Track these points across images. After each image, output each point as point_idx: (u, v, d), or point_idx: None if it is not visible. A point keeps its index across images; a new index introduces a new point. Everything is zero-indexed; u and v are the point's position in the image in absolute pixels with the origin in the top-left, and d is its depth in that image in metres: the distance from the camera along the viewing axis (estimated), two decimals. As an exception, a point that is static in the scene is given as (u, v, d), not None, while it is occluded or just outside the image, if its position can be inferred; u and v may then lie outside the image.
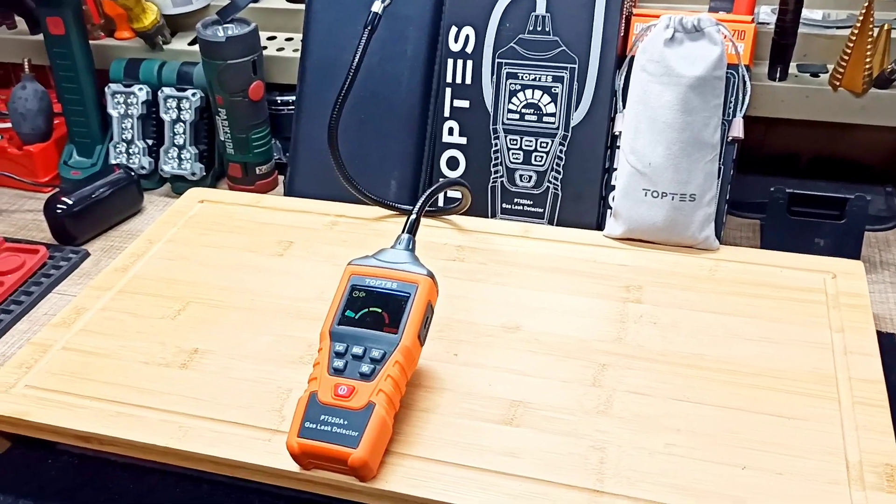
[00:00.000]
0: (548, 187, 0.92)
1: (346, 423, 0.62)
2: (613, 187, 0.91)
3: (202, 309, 0.82)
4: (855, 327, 0.76)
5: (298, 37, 1.13)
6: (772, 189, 0.92)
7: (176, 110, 1.08)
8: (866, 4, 0.87)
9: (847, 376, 0.71)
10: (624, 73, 0.88)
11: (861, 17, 0.87)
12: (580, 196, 0.91)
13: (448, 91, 0.93)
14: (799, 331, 0.76)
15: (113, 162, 1.11)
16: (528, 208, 0.93)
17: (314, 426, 0.63)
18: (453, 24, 0.92)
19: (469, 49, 0.91)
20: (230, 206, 0.98)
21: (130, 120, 1.10)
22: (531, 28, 0.89)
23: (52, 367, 0.75)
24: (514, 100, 0.91)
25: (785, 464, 0.63)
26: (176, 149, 1.09)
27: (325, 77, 0.99)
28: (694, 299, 0.80)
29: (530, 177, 0.92)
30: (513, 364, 0.74)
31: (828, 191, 1.00)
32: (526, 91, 0.90)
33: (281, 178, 1.13)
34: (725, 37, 0.83)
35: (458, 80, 0.92)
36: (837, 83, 0.92)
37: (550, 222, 0.93)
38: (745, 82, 0.85)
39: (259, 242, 0.91)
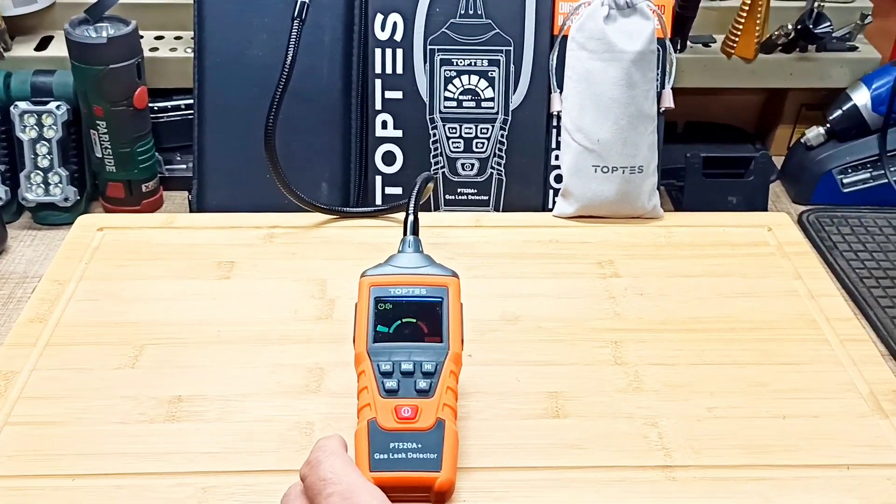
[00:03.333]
0: (491, 174, 0.90)
1: (419, 446, 0.57)
2: (555, 167, 0.91)
3: (164, 351, 0.71)
4: (808, 273, 0.82)
5: (170, 34, 1.01)
6: (688, 155, 0.98)
7: (36, 128, 0.92)
8: (758, -24, 0.94)
9: (824, 318, 0.77)
10: (556, 53, 0.88)
11: (753, -11, 0.95)
12: (525, 179, 0.90)
13: (378, 82, 0.88)
14: (766, 282, 0.81)
15: (-43, 196, 0.92)
16: (473, 197, 0.91)
17: (385, 456, 0.56)
18: (378, 12, 0.86)
19: (398, 37, 0.87)
20: (140, 230, 0.86)
21: (-25, 144, 0.92)
22: (462, 12, 0.86)
23: (4, 450, 0.62)
24: (450, 87, 0.88)
25: (816, 407, 0.67)
26: (40, 172, 0.93)
27: (227, 77, 0.89)
28: (664, 266, 0.83)
29: (473, 164, 0.90)
30: (530, 355, 0.72)
31: (708, 153, 1.08)
32: (462, 77, 0.87)
33: (166, 193, 1.01)
34: (654, 11, 0.86)
35: (389, 71, 0.88)
36: (731, 51, 0.99)
37: (496, 209, 0.91)
38: (670, 54, 0.89)
39: (195, 267, 0.81)
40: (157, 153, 1.00)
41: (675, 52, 1.00)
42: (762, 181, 0.98)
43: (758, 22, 0.96)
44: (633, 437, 0.64)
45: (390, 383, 0.59)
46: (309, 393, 0.67)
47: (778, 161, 1.09)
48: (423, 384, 0.59)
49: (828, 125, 1.01)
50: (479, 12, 0.86)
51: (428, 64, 0.87)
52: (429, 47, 0.87)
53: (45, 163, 0.93)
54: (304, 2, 0.81)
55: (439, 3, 0.86)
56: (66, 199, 0.93)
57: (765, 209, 0.99)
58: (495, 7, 0.86)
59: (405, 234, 0.69)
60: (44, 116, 0.92)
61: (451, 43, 0.87)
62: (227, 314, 0.75)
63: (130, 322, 0.74)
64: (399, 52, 0.87)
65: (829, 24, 0.96)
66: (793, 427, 0.65)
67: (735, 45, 0.98)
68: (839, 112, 1.00)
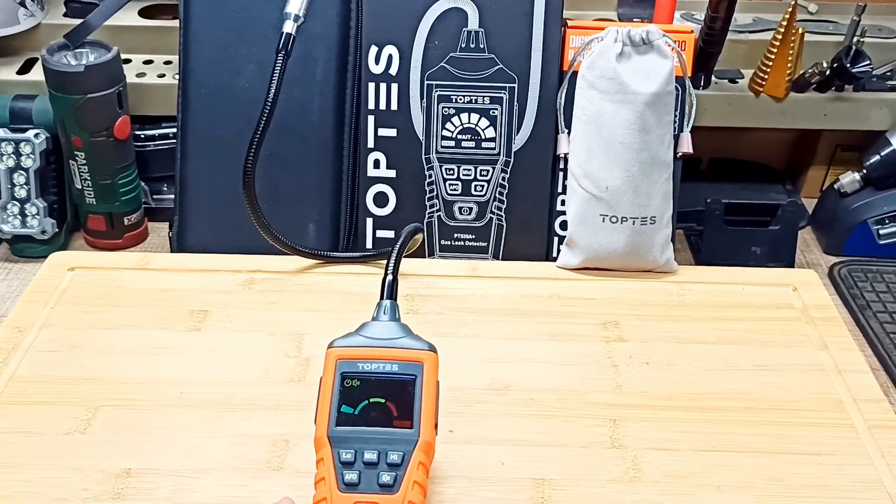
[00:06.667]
0: (491, 219, 0.83)
1: (377, 552, 0.51)
2: (560, 213, 0.84)
3: (120, 414, 0.65)
4: (836, 343, 0.74)
5: (160, 59, 0.96)
6: (708, 200, 0.90)
7: (14, 156, 0.87)
8: (790, 10, 0.86)
9: (851, 398, 0.69)
10: (565, 91, 0.81)
11: (785, 23, 0.87)
12: (527, 226, 0.84)
13: (371, 119, 0.82)
14: (788, 353, 0.73)
15: (-69, 225, 0.88)
16: (470, 243, 0.84)
17: (339, 562, 0.51)
18: (373, 44, 0.80)
19: (393, 71, 0.80)
20: (113, 271, 0.80)
21: (-49, 171, 0.88)
22: (463, 45, 0.80)
23: (-68, 527, 0.57)
24: (448, 125, 0.81)
25: (836, 508, 0.60)
26: (17, 203, 0.88)
27: (213, 107, 0.84)
28: (675, 330, 0.75)
29: (471, 209, 0.83)
30: (517, 433, 0.65)
31: (733, 193, 1.01)
32: (461, 115, 0.81)
33: (151, 225, 0.96)
34: (672, 49, 0.79)
35: (382, 107, 0.81)
36: (760, 88, 0.91)
37: (495, 256, 0.85)
38: (690, 94, 0.81)
39: (166, 316, 0.75)
40: (143, 183, 0.95)
41: (699, 88, 0.93)
42: (790, 231, 0.90)
43: (790, 58, 0.88)
44: (626, 538, 0.57)
45: (350, 475, 0.53)
46: (271, 471, 0.61)
47: (810, 204, 1.01)
48: (386, 478, 0.53)
49: (864, 171, 0.92)
50: (482, 46, 0.80)
51: (425, 100, 0.81)
52: (426, 82, 0.80)
53: (22, 193, 0.88)
54: (290, 34, 0.75)
55: (438, 36, 0.79)
56: (43, 232, 0.89)
57: (791, 261, 0.91)
58: (499, 41, 0.80)
59: (382, 297, 0.63)
60: (22, 145, 0.87)
61: (450, 78, 0.80)
62: (192, 372, 0.69)
63: (89, 379, 0.68)
64: (394, 86, 0.81)
65: (868, 62, 0.88)
66: (808, 533, 0.58)
67: (764, 82, 0.91)
68: (877, 158, 0.91)
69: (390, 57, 0.80)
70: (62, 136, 0.87)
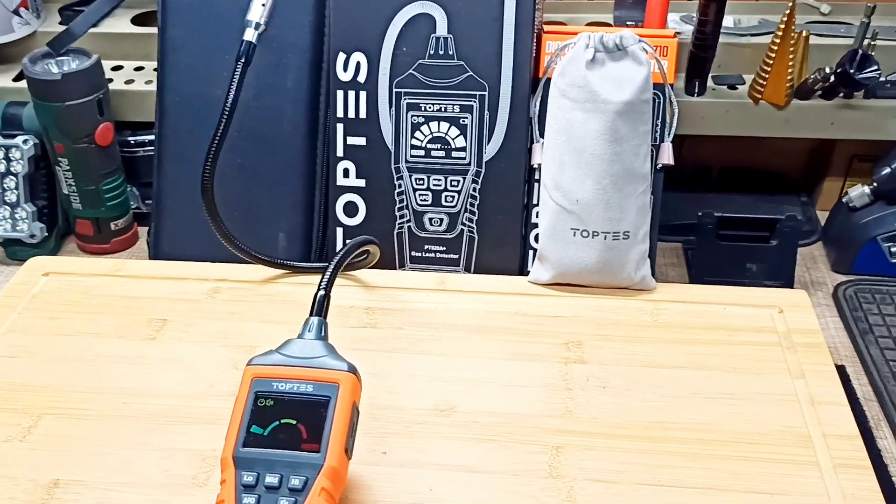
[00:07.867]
0: (462, 230, 0.81)
1: (268, 581, 0.50)
2: (535, 226, 0.81)
3: (60, 423, 0.66)
4: (815, 371, 0.69)
5: (150, 65, 0.96)
6: (699, 214, 0.86)
7: (4, 162, 0.89)
8: (788, 12, 0.80)
9: (821, 433, 0.64)
10: (539, 98, 0.78)
11: (783, 26, 0.81)
12: (499, 238, 0.81)
13: (340, 127, 0.80)
14: (760, 382, 0.68)
15: (-73, 228, 0.91)
16: (441, 255, 0.82)
17: (228, 591, 0.49)
18: (340, 51, 0.79)
19: (361, 78, 0.79)
20: (84, 277, 0.81)
21: (-54, 176, 0.90)
22: (432, 52, 0.77)
23: None
24: (417, 134, 0.79)
25: (781, 555, 0.55)
26: (7, 208, 0.90)
27: (188, 115, 0.84)
28: (641, 352, 0.71)
29: (441, 220, 0.81)
30: (453, 457, 0.62)
31: (744, 204, 0.95)
32: (430, 123, 0.79)
33: (141, 229, 0.97)
34: (649, 55, 0.74)
35: (351, 115, 0.80)
36: (759, 96, 0.86)
37: (467, 269, 0.82)
38: (671, 103, 0.77)
39: (126, 324, 0.75)
40: (133, 188, 0.96)
41: (693, 95, 0.88)
42: (788, 247, 0.85)
43: (790, 63, 0.83)
44: (545, 576, 0.54)
45: (249, 499, 0.52)
46: (195, 487, 0.60)
47: (825, 217, 0.95)
48: (285, 503, 0.52)
49: (874, 184, 0.86)
50: (451, 53, 0.77)
51: (393, 108, 0.79)
52: (394, 90, 0.78)
53: (12, 198, 0.90)
54: (251, 42, 0.74)
55: (406, 43, 0.77)
56: (32, 236, 0.91)
57: (790, 280, 0.85)
58: (468, 47, 0.77)
59: (311, 313, 0.61)
60: (11, 150, 0.89)
61: (419, 86, 0.78)
62: (139, 383, 0.69)
63: (39, 386, 0.69)
64: (362, 94, 0.79)
65: (875, 67, 0.81)
66: (746, 580, 0.54)
67: (763, 88, 0.85)
68: (887, 170, 0.85)
69: (358, 64, 0.79)
70: (46, 143, 0.88)
